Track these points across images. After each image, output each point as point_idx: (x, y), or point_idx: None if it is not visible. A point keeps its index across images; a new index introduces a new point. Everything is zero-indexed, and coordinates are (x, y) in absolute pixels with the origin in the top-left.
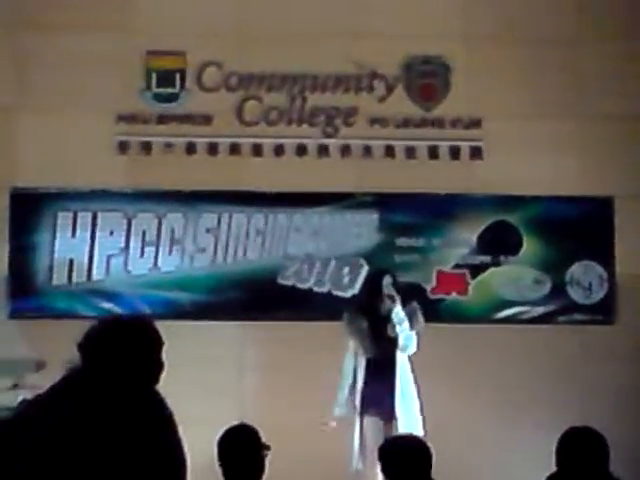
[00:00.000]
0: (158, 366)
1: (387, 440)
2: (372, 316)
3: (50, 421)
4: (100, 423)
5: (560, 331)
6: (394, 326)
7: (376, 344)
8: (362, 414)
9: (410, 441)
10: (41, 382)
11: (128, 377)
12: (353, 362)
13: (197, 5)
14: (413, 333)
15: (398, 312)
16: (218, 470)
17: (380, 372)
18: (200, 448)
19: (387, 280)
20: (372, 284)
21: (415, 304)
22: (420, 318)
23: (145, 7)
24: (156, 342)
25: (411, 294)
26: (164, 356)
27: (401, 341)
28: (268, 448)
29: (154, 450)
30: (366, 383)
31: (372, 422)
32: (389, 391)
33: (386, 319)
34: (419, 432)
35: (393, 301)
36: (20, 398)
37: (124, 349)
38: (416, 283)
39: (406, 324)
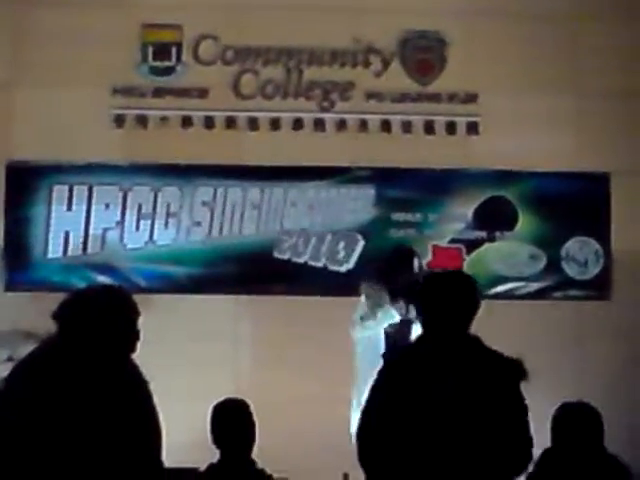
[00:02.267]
0: (133, 335)
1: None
2: (392, 293)
3: (26, 390)
4: (74, 391)
5: (555, 307)
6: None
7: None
8: None
9: None
10: None
11: (103, 346)
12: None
13: None
14: None
15: None
16: (211, 442)
17: (397, 348)
18: (195, 421)
19: (417, 262)
20: (403, 263)
21: None
22: None
23: None
24: (131, 311)
25: None
26: (140, 325)
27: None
28: (254, 423)
29: (129, 417)
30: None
31: None
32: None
33: (406, 296)
34: None
35: None
36: None
37: (98, 318)
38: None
39: None
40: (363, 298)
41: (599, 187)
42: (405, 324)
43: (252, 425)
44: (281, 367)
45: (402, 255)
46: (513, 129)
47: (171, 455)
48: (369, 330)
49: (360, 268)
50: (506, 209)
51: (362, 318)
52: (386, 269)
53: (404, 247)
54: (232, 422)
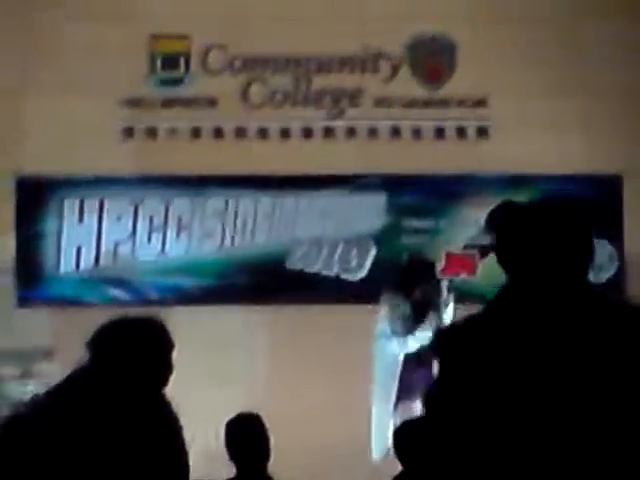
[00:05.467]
0: (167, 368)
1: (400, 425)
2: (415, 303)
3: (56, 421)
4: (105, 424)
5: None
6: (441, 320)
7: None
8: (399, 400)
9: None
10: (50, 371)
11: (135, 379)
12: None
13: None
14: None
15: (452, 306)
16: (227, 456)
17: (420, 358)
18: (211, 433)
19: (436, 269)
20: (427, 273)
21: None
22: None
23: None
24: (166, 344)
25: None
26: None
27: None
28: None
29: (157, 452)
30: (405, 368)
31: (410, 408)
32: (427, 378)
33: (428, 307)
34: None
35: (449, 293)
36: (29, 388)
37: (132, 350)
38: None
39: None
40: (384, 311)
41: (611, 189)
42: None
43: (267, 440)
44: (296, 377)
45: (423, 265)
46: (523, 133)
47: None
48: (401, 348)
49: (373, 276)
50: None
51: (393, 333)
52: (406, 280)
53: (423, 257)
54: (247, 437)
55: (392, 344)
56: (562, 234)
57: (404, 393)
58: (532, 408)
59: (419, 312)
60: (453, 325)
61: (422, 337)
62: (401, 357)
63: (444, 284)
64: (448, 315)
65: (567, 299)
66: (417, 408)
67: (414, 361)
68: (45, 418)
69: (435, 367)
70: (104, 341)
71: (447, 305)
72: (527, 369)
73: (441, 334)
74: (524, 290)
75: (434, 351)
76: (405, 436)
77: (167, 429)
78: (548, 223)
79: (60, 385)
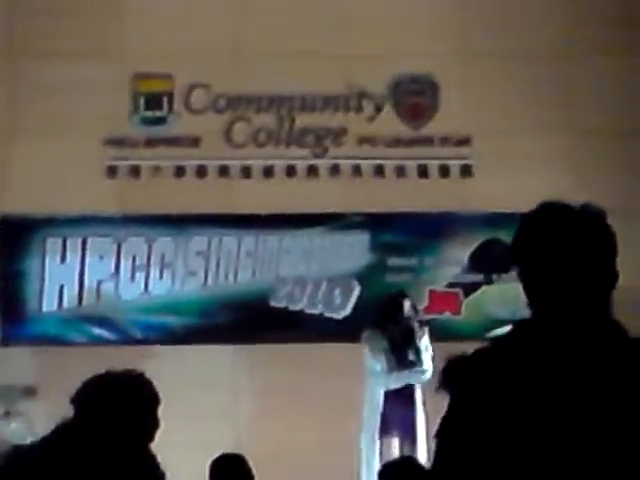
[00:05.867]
0: (153, 424)
1: (384, 464)
2: (391, 338)
3: (42, 475)
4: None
5: None
6: (419, 351)
7: (396, 365)
8: (381, 435)
9: (405, 463)
10: (32, 409)
11: (121, 435)
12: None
13: (184, 28)
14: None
15: (426, 339)
16: None
17: (400, 393)
18: (195, 473)
19: (408, 304)
20: (394, 306)
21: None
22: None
23: (132, 30)
24: (151, 400)
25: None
26: (160, 413)
27: (428, 365)
28: (252, 478)
29: None
30: (386, 404)
31: (392, 444)
32: (410, 412)
33: (406, 342)
34: None
35: (422, 326)
36: (12, 426)
37: (118, 406)
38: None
39: (430, 351)
40: (366, 348)
41: None
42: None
43: (250, 478)
44: (280, 416)
45: (391, 299)
46: (507, 171)
47: None
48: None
49: (357, 314)
50: (502, 251)
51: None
52: (379, 316)
53: (395, 291)
54: (230, 477)
55: (380, 380)
56: (583, 253)
57: (384, 429)
58: (549, 444)
59: (397, 347)
60: (464, 356)
61: (408, 374)
62: (382, 393)
63: (415, 318)
64: (424, 348)
65: (588, 332)
66: (396, 445)
67: (394, 397)
68: (30, 472)
69: (418, 402)
70: (89, 396)
71: (421, 339)
72: (543, 403)
73: (451, 366)
74: (542, 321)
75: (443, 382)
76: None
77: None
78: (565, 241)
79: (45, 439)
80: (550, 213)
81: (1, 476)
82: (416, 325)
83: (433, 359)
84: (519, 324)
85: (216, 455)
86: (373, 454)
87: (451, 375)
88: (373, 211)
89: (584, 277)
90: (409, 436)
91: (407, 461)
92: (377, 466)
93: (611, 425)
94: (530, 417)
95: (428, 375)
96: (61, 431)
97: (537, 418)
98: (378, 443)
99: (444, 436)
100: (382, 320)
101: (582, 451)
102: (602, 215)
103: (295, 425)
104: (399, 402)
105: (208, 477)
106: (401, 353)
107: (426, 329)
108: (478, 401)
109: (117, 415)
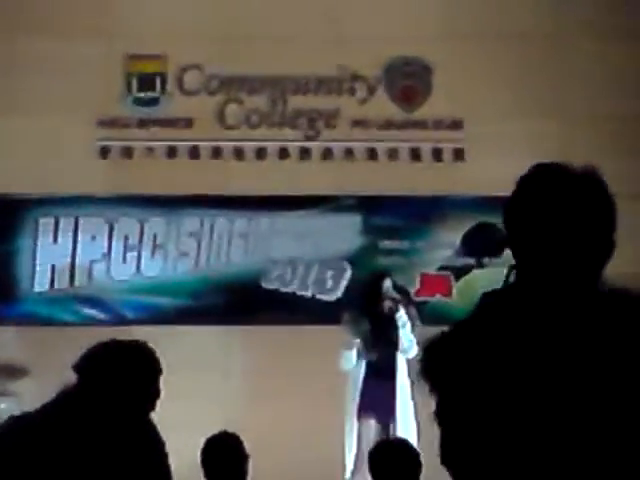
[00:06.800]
0: (154, 393)
1: (377, 444)
2: (372, 318)
3: (40, 444)
4: (91, 448)
5: None
6: (397, 328)
7: (377, 346)
8: (360, 416)
9: (400, 446)
10: (24, 389)
11: (122, 403)
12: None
13: (177, 8)
14: (414, 336)
15: (402, 315)
16: (202, 477)
17: (380, 374)
18: (185, 454)
19: (387, 283)
20: (372, 286)
21: (413, 308)
22: (418, 322)
23: (125, 11)
24: (154, 369)
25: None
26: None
27: (405, 344)
28: (246, 457)
29: (143, 477)
30: (365, 384)
31: (369, 425)
32: (389, 394)
33: (387, 321)
34: (414, 437)
35: (396, 304)
36: (3, 406)
37: (121, 375)
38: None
39: (408, 327)
40: (346, 327)
41: None
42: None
43: (244, 459)
44: (271, 398)
45: (371, 279)
46: (499, 154)
47: None
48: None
49: (348, 296)
50: (494, 235)
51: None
52: (359, 297)
53: (374, 272)
54: (224, 456)
55: (352, 358)
56: (579, 219)
57: (364, 409)
58: (541, 413)
59: (377, 326)
60: (443, 335)
61: (387, 351)
62: (362, 372)
63: (398, 297)
64: (402, 325)
65: (579, 296)
66: (373, 425)
67: (374, 376)
68: (31, 439)
69: (398, 382)
70: (93, 364)
71: (400, 319)
72: (532, 374)
73: (433, 345)
74: (526, 288)
75: (425, 365)
76: (382, 458)
77: (154, 454)
78: (565, 200)
79: (47, 406)
80: (545, 174)
81: (3, 442)
82: (390, 304)
83: (419, 342)
84: (501, 292)
85: (206, 436)
86: (351, 434)
87: (433, 361)
88: (365, 194)
89: (577, 242)
90: (387, 416)
91: (401, 444)
92: (353, 446)
93: (601, 386)
94: (524, 384)
95: (410, 353)
96: (64, 398)
97: (529, 384)
98: (356, 424)
99: (446, 421)
100: (364, 302)
101: (580, 419)
102: (602, 181)
103: (286, 406)
104: (379, 382)
105: (201, 455)
106: (381, 332)
107: (411, 307)
108: (469, 379)
109: (121, 382)
